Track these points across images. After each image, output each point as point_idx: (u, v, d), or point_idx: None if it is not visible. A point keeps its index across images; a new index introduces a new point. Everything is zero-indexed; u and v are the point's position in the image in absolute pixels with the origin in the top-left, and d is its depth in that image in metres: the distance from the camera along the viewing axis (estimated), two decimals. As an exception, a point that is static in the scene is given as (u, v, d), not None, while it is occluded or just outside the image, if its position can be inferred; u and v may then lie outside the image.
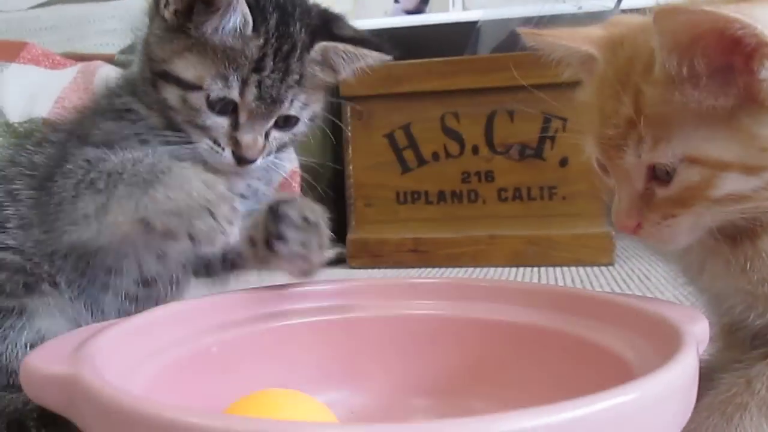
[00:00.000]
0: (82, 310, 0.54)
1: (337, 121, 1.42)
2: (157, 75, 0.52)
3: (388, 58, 0.56)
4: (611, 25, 0.46)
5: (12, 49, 1.31)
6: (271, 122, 0.52)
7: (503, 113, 1.35)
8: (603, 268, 1.24)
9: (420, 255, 1.38)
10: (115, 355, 0.35)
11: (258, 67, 0.50)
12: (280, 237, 0.49)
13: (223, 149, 0.52)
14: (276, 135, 0.54)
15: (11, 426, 0.46)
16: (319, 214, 0.51)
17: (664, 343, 0.33)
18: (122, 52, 1.42)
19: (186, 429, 0.24)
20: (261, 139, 0.52)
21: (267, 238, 0.50)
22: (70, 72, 1.25)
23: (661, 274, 1.14)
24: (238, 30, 0.49)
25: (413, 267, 1.35)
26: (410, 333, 0.50)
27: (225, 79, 0.50)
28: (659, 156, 0.39)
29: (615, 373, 0.36)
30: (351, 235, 1.42)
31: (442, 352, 0.48)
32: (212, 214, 0.43)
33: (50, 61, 1.33)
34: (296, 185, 1.47)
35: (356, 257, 1.40)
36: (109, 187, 0.46)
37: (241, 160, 0.52)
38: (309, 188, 1.69)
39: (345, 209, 1.44)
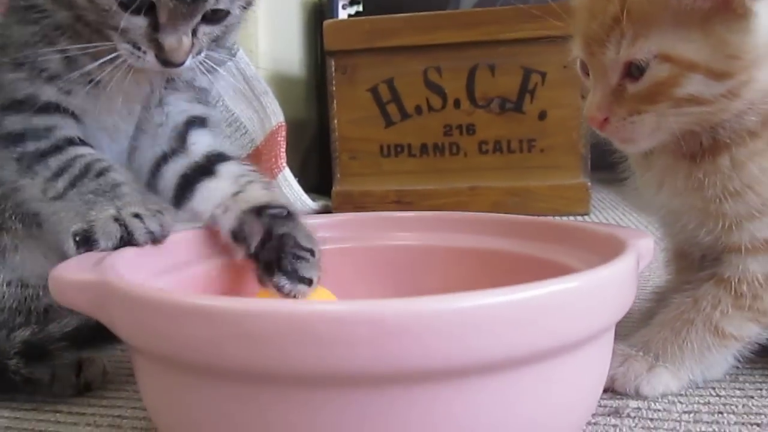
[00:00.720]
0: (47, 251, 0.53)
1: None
2: None
3: None
4: None
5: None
6: (197, 19, 0.46)
7: (484, 68, 1.38)
8: (579, 218, 1.30)
9: (403, 206, 1.42)
10: (132, 269, 0.40)
11: None
12: (283, 269, 0.45)
13: (144, 53, 0.46)
14: (206, 30, 0.48)
15: None
16: (314, 240, 0.48)
17: (612, 254, 0.38)
18: None
19: (206, 312, 0.29)
20: (187, 40, 0.46)
21: (264, 259, 0.46)
22: None
23: (632, 222, 1.20)
24: None
25: (397, 217, 1.40)
26: (393, 260, 0.55)
27: None
28: (636, 52, 0.42)
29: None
30: (336, 188, 1.46)
31: (422, 277, 0.54)
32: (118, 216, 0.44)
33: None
34: (282, 138, 1.50)
35: (341, 209, 1.45)
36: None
37: (167, 63, 0.46)
38: (294, 141, 1.71)
39: (330, 162, 1.48)
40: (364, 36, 1.41)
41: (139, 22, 0.45)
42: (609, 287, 0.34)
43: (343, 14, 1.77)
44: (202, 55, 0.48)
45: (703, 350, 0.48)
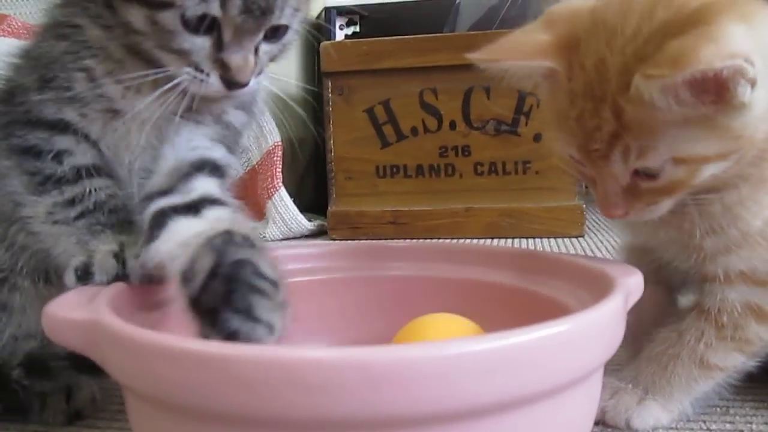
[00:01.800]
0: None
1: (314, 106, 1.45)
2: None
3: None
4: (551, 24, 0.45)
5: (-8, 22, 1.31)
6: (261, 35, 0.44)
7: (480, 90, 1.39)
8: (573, 240, 1.31)
9: (398, 227, 1.43)
10: (125, 303, 0.40)
11: None
12: (234, 306, 0.35)
13: (208, 75, 0.44)
14: (266, 48, 0.45)
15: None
16: (279, 273, 0.39)
17: (601, 292, 0.39)
18: None
19: (198, 356, 0.29)
20: (252, 57, 0.44)
21: (207, 300, 0.36)
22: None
23: (625, 244, 1.21)
24: None
25: (392, 239, 1.40)
26: (384, 291, 0.56)
27: None
28: (647, 162, 0.41)
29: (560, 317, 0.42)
30: (332, 208, 1.46)
31: (415, 308, 0.54)
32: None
33: (30, 33, 1.34)
34: (278, 158, 1.51)
35: (337, 229, 1.45)
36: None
37: (232, 85, 0.44)
38: (291, 161, 1.72)
39: (326, 182, 1.49)
40: (361, 57, 1.42)
41: (203, 42, 0.43)
42: (598, 329, 0.34)
43: (340, 35, 1.79)
44: (262, 76, 0.47)
45: (690, 382, 0.48)
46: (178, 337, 0.30)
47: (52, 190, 0.47)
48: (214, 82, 0.44)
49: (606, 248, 1.19)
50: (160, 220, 0.44)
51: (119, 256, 0.44)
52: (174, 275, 0.40)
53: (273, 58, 0.48)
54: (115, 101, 0.46)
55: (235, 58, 0.43)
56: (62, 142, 0.47)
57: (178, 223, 0.44)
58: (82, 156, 0.47)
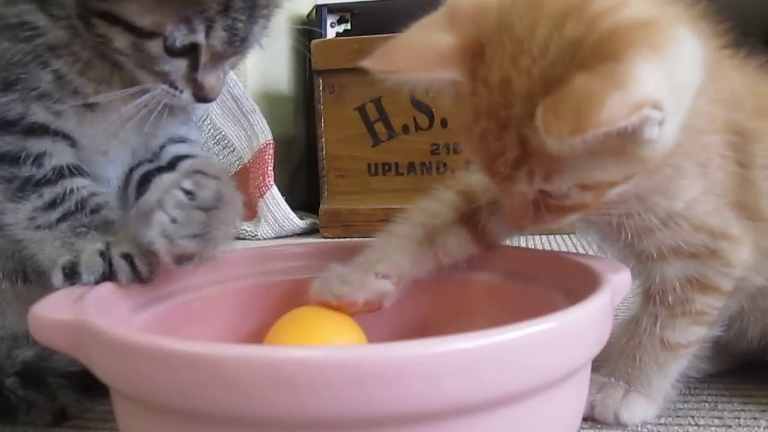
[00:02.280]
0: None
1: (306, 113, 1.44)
2: (95, 14, 0.43)
3: None
4: (455, 21, 0.40)
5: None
6: (234, 56, 0.47)
7: (471, 87, 1.40)
8: (565, 236, 1.31)
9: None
10: (112, 304, 0.40)
11: (226, 8, 0.43)
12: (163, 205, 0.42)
13: (181, 91, 0.46)
14: (234, 61, 0.48)
15: None
16: (222, 186, 0.44)
17: (588, 289, 0.39)
18: None
19: (184, 357, 0.29)
20: (222, 75, 0.47)
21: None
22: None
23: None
24: None
25: (384, 236, 1.40)
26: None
27: (188, 22, 0.42)
28: (551, 186, 0.39)
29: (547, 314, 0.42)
30: (323, 206, 1.46)
31: (403, 307, 0.54)
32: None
33: None
34: (270, 156, 1.51)
35: (329, 227, 1.45)
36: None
37: (203, 100, 0.47)
38: (282, 160, 1.72)
39: (317, 180, 1.49)
40: (352, 55, 1.42)
41: (181, 64, 0.45)
42: (585, 327, 0.34)
43: (331, 33, 1.78)
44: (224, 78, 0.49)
45: (662, 367, 0.48)
46: (164, 337, 0.30)
47: (31, 195, 0.46)
48: (186, 97, 0.47)
49: (597, 245, 1.19)
50: (145, 180, 0.53)
51: (105, 255, 0.44)
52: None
53: (234, 66, 0.50)
54: (88, 97, 0.47)
55: (209, 78, 0.46)
56: (38, 145, 0.47)
57: (160, 179, 0.52)
58: (61, 155, 0.47)
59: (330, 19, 1.80)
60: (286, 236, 1.49)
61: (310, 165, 1.73)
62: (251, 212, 1.51)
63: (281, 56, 1.85)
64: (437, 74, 0.40)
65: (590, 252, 1.11)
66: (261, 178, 1.50)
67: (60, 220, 0.46)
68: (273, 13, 0.48)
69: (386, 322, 0.52)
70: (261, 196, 1.49)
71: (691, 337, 0.48)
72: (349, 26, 1.81)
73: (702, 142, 0.44)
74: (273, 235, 1.47)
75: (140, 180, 0.53)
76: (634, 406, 0.49)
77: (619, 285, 0.41)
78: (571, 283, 0.45)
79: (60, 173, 0.47)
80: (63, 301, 0.39)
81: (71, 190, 0.47)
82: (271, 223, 1.47)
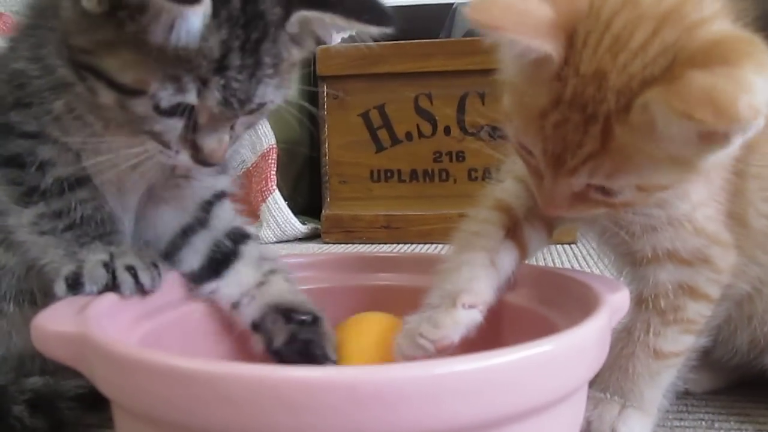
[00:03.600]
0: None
1: (310, 106, 1.45)
2: (81, 66, 0.41)
3: (388, 30, 0.44)
4: None
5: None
6: (238, 119, 0.43)
7: (475, 95, 1.40)
8: (566, 246, 1.32)
9: (392, 231, 1.43)
10: (113, 315, 0.40)
11: (221, 67, 0.39)
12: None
13: (177, 152, 0.42)
14: (244, 121, 0.44)
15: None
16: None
17: (586, 308, 0.39)
18: None
19: (184, 374, 0.29)
20: (226, 138, 0.43)
21: (287, 358, 0.49)
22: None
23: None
24: (192, 30, 0.37)
25: (385, 243, 1.41)
26: (374, 301, 0.56)
27: (177, 80, 0.38)
28: (611, 183, 0.40)
29: (545, 334, 0.42)
30: (325, 212, 1.47)
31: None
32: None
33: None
34: (273, 161, 1.51)
35: (330, 233, 1.45)
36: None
37: (203, 163, 0.43)
38: (285, 164, 1.72)
39: (320, 186, 1.49)
40: (356, 62, 1.42)
41: (175, 124, 0.41)
42: (583, 349, 0.34)
43: (336, 38, 1.79)
44: (237, 144, 0.45)
45: (654, 377, 0.48)
46: (166, 353, 0.30)
47: (39, 202, 0.46)
48: (183, 159, 0.43)
49: (597, 255, 1.20)
50: (215, 265, 0.52)
51: (109, 266, 0.44)
52: (244, 321, 0.51)
53: (250, 127, 0.46)
54: (96, 132, 0.45)
55: (208, 141, 0.42)
56: (45, 151, 0.46)
57: (234, 270, 0.52)
58: (65, 167, 0.47)
59: (335, 25, 1.81)
60: (288, 241, 1.49)
61: (312, 170, 1.73)
62: (253, 216, 1.51)
63: None
64: (535, 44, 0.38)
65: (590, 263, 1.12)
66: (264, 182, 1.51)
67: (65, 230, 0.46)
68: (287, 71, 0.43)
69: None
70: (263, 200, 1.49)
71: (681, 346, 0.48)
72: (353, 32, 1.82)
73: None
74: (274, 239, 1.48)
75: (210, 259, 0.52)
76: (631, 421, 0.49)
77: (617, 305, 0.42)
78: (570, 302, 0.45)
79: (62, 186, 0.46)
80: (65, 312, 0.39)
81: (76, 205, 0.46)
82: (272, 227, 1.48)
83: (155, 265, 0.46)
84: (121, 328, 0.41)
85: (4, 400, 0.47)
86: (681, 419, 0.53)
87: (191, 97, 0.39)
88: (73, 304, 0.41)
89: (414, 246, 1.37)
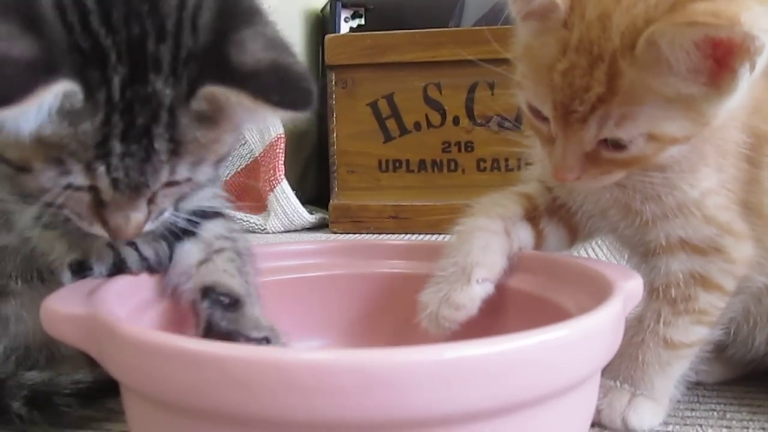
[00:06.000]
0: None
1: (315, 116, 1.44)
2: None
3: (299, 116, 0.39)
4: None
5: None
6: (146, 198, 0.40)
7: (484, 85, 1.39)
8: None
9: (400, 221, 1.43)
10: (123, 299, 0.40)
11: (103, 153, 0.36)
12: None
13: (90, 224, 0.40)
14: (166, 192, 0.40)
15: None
16: (265, 326, 0.44)
17: (601, 296, 0.38)
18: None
19: (194, 356, 0.29)
20: (138, 215, 0.40)
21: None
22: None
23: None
24: (55, 113, 0.34)
25: (393, 233, 1.40)
26: (382, 288, 0.56)
27: (60, 163, 0.36)
28: (622, 133, 0.40)
29: (556, 320, 0.42)
30: (333, 201, 1.46)
31: (413, 306, 0.54)
32: None
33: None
34: (281, 150, 1.51)
35: (338, 222, 1.45)
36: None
37: (115, 237, 0.40)
38: (293, 154, 1.71)
39: (328, 175, 1.49)
40: (365, 51, 1.41)
41: (80, 197, 0.38)
42: (597, 335, 0.34)
43: (345, 27, 1.78)
44: (167, 213, 0.42)
45: (665, 367, 0.48)
46: (177, 336, 0.30)
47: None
48: (98, 231, 0.40)
49: (604, 242, 1.19)
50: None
51: (113, 246, 0.44)
52: (184, 304, 0.46)
53: (186, 196, 0.43)
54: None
55: (115, 218, 0.39)
56: None
57: (180, 250, 0.48)
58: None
59: (344, 14, 1.80)
60: (296, 230, 1.49)
61: (321, 160, 1.73)
62: (261, 205, 1.51)
63: (294, 50, 1.84)
64: None
65: (601, 256, 1.11)
66: (272, 171, 1.50)
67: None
68: (207, 147, 0.39)
69: (394, 322, 0.52)
70: (271, 189, 1.49)
71: (693, 337, 0.48)
72: (363, 21, 1.81)
73: (724, 135, 0.46)
74: (282, 228, 1.48)
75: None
76: (642, 410, 0.48)
77: (631, 292, 0.41)
78: (583, 290, 0.45)
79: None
80: (76, 294, 0.40)
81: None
82: (280, 216, 1.48)
83: (156, 241, 0.46)
84: (131, 311, 0.41)
85: (3, 395, 0.47)
86: (692, 409, 0.52)
87: (78, 179, 0.37)
88: (83, 286, 0.41)
89: (422, 237, 1.37)
